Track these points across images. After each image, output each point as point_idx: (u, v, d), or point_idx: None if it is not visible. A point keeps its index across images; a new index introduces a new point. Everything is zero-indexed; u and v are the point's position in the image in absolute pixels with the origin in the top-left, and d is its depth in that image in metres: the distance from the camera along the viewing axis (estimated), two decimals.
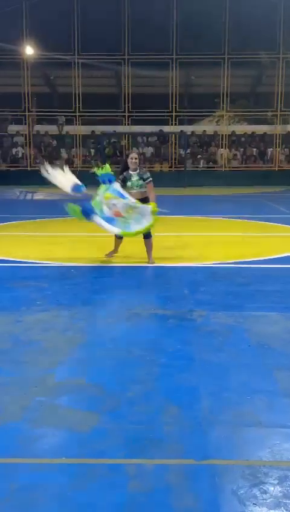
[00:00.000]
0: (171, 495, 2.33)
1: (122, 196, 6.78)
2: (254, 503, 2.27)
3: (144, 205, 6.74)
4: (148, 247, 6.91)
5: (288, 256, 7.58)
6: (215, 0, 22.67)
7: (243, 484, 2.40)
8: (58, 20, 23.03)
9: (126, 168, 6.92)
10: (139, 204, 6.74)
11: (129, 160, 6.86)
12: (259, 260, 7.27)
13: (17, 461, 2.60)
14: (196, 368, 3.69)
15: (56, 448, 2.71)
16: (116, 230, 6.84)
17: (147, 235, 6.86)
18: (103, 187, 6.91)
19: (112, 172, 6.97)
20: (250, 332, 4.40)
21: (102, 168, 7.02)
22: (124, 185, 6.84)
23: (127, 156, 7.03)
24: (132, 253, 7.34)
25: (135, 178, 6.79)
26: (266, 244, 8.75)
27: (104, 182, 6.89)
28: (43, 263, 7.02)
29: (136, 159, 6.76)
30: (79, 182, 7.02)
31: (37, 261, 7.10)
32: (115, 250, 7.11)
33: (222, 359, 3.84)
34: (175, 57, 23.95)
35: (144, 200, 6.83)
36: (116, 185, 6.83)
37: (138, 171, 6.83)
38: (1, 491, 2.36)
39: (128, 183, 6.85)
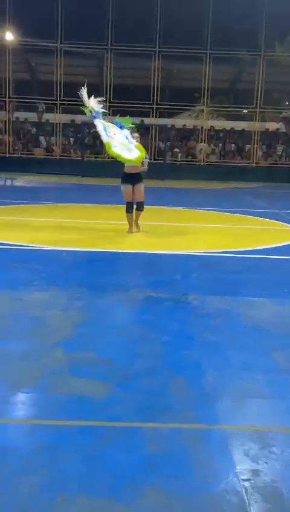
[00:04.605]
0: (188, 455, 2.50)
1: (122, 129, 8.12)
2: (265, 462, 2.46)
3: (133, 145, 7.88)
4: (137, 217, 8.17)
5: (271, 247, 7.83)
6: None
7: (254, 446, 2.59)
8: (42, 7, 22.87)
9: None
10: (131, 145, 7.87)
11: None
12: (244, 250, 7.48)
13: (38, 422, 2.74)
14: (197, 346, 3.87)
15: (74, 412, 2.84)
16: (106, 139, 7.71)
17: (140, 208, 8.16)
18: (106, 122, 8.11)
19: (133, 125, 8.39)
20: (244, 316, 4.60)
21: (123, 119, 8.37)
22: None
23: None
24: (122, 240, 7.48)
25: None
26: (249, 235, 8.98)
27: (121, 127, 8.15)
28: (34, 246, 7.11)
29: (137, 137, 8.09)
30: (100, 111, 8.14)
31: (28, 244, 7.18)
32: (131, 226, 8.18)
33: (221, 339, 4.02)
34: (158, 49, 24.04)
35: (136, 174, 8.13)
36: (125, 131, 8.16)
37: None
38: (26, 449, 2.50)
39: None
